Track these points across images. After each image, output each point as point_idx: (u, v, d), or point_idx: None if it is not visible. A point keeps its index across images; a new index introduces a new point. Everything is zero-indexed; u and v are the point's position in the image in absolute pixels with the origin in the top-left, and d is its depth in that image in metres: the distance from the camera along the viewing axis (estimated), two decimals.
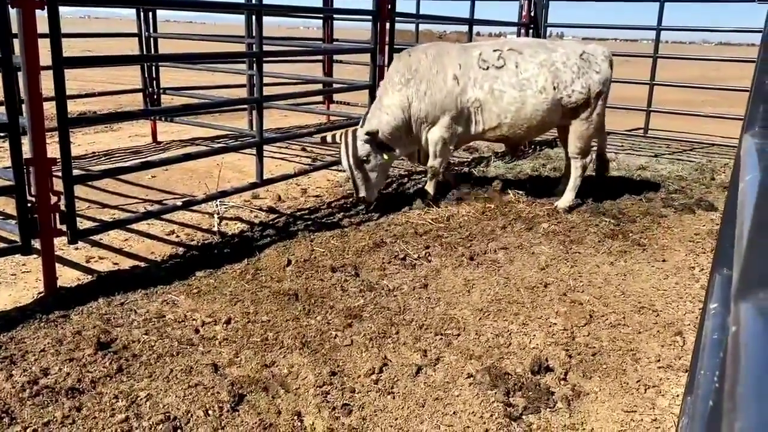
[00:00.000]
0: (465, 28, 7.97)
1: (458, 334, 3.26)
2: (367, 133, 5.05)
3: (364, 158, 5.13)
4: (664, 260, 4.41)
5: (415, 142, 5.38)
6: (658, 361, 3.11)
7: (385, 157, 5.18)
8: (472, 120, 5.33)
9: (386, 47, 6.01)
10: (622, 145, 9.15)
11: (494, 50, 5.40)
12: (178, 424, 2.43)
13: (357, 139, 5.14)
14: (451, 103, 5.21)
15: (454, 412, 2.64)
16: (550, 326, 3.39)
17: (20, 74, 3.30)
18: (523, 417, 2.63)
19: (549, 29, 9.06)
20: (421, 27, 10.52)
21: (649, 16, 9.46)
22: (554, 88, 5.32)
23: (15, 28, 3.23)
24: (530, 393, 2.75)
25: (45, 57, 3.34)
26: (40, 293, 3.61)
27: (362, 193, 5.21)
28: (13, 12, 3.19)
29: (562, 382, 2.89)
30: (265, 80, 5.16)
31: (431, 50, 5.36)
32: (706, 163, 7.75)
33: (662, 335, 3.35)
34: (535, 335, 3.29)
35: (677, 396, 2.80)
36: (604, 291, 3.87)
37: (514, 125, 5.37)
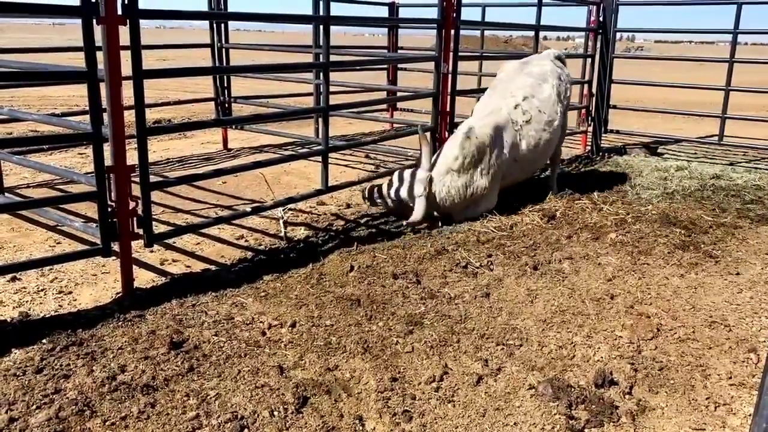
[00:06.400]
0: (531, 33, 7.90)
1: (520, 345, 3.24)
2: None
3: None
4: (738, 273, 4.25)
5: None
6: (730, 378, 3.00)
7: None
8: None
9: (450, 55, 6.03)
10: (696, 153, 8.85)
11: (515, 107, 5.52)
12: (245, 423, 2.52)
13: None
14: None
15: (514, 423, 2.63)
16: (616, 339, 3.33)
17: (102, 85, 3.50)
18: (586, 431, 2.59)
19: (618, 34, 8.86)
20: (486, 33, 10.48)
21: (727, 18, 9.10)
22: (560, 98, 5.74)
23: (98, 42, 3.42)
24: (593, 406, 2.71)
25: (124, 67, 3.52)
26: (117, 293, 3.81)
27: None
28: (97, 28, 3.39)
29: (627, 397, 2.83)
30: (331, 88, 5.27)
31: (485, 139, 5.24)
32: None
33: (734, 351, 3.24)
34: (599, 348, 3.23)
35: (750, 415, 2.70)
36: (673, 304, 3.76)
37: (538, 161, 5.84)
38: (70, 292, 3.87)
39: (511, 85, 5.71)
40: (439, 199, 5.16)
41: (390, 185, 5.41)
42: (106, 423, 2.47)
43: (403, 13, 9.66)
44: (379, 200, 5.49)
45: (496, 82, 5.94)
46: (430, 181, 5.07)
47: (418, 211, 5.05)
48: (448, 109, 6.17)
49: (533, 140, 5.49)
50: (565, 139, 9.16)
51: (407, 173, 5.32)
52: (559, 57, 6.29)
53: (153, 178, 4.01)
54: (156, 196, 5.01)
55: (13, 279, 3.97)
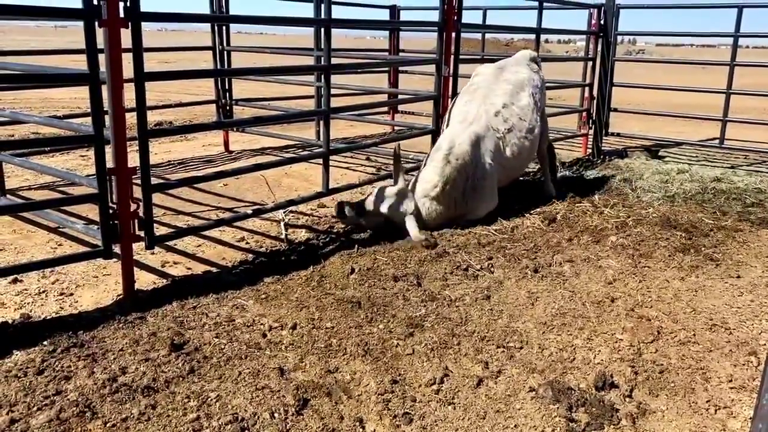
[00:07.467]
0: (532, 36, 7.91)
1: (521, 347, 3.24)
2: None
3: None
4: (738, 276, 4.25)
5: None
6: (730, 381, 3.00)
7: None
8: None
9: (452, 57, 6.04)
10: (697, 156, 8.86)
11: (495, 114, 5.46)
12: (245, 425, 2.52)
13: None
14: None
15: (515, 426, 2.63)
16: (616, 342, 3.33)
17: (104, 88, 3.51)
18: None
19: (620, 37, 8.87)
20: (487, 36, 10.49)
21: (727, 21, 9.10)
22: (537, 106, 5.75)
23: (100, 44, 3.42)
24: (594, 409, 2.72)
25: (126, 70, 3.53)
26: (119, 295, 3.82)
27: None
28: (99, 30, 3.40)
29: (627, 399, 2.83)
30: (332, 91, 5.27)
31: (465, 158, 5.10)
32: None
33: (735, 354, 3.24)
34: (600, 350, 3.24)
35: (750, 418, 2.70)
36: (674, 307, 3.76)
37: (522, 167, 5.92)
38: (72, 294, 3.88)
39: (489, 92, 5.63)
40: (425, 218, 5.06)
41: (372, 200, 5.18)
42: (107, 424, 2.47)
43: (404, 16, 9.68)
44: (351, 215, 5.15)
45: (473, 87, 5.83)
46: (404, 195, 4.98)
47: (413, 230, 4.81)
48: None
49: (516, 148, 5.43)
50: (566, 142, 9.22)
51: (386, 189, 5.16)
52: (534, 59, 6.24)
53: (154, 181, 4.02)
54: (157, 198, 5.00)
55: (15, 281, 3.98)
